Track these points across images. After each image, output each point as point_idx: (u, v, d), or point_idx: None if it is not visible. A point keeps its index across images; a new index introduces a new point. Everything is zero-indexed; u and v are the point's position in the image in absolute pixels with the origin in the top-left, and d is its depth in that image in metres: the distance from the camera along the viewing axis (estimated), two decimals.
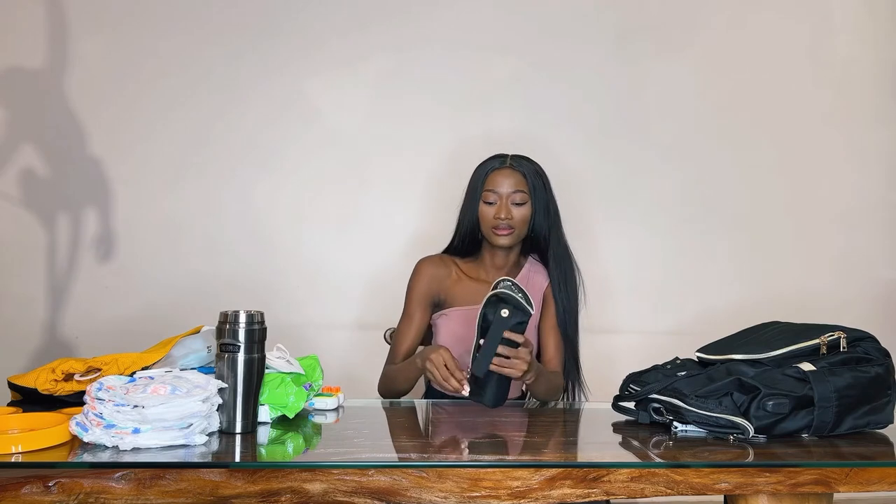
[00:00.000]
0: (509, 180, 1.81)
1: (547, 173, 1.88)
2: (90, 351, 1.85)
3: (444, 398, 1.83)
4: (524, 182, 1.81)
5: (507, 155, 1.86)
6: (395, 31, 2.72)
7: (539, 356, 1.89)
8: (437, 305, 1.89)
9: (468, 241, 1.88)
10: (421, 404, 1.67)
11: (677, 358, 1.55)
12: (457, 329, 1.84)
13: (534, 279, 1.90)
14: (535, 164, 1.87)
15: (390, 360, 1.86)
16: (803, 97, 2.77)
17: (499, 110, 2.72)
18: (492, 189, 1.81)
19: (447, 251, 1.95)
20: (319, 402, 1.53)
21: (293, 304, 2.64)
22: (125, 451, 1.19)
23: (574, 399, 1.87)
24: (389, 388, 1.83)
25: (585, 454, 1.35)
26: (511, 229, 1.80)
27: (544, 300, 1.90)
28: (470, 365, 1.54)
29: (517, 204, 1.80)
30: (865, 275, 2.77)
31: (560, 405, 1.75)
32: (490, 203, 1.81)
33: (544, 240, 1.86)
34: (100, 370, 1.44)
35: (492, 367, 1.49)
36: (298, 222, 2.71)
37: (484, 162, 1.87)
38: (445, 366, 1.56)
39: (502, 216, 1.79)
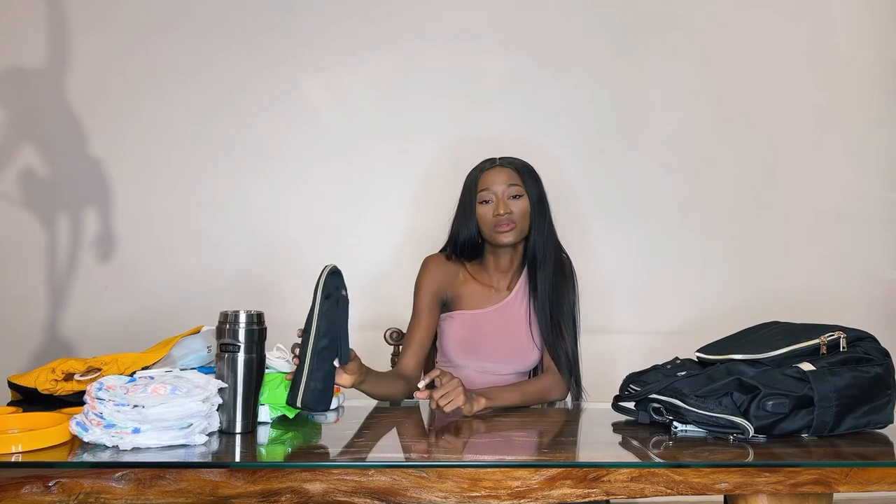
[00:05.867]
0: (502, 176, 1.78)
1: (547, 172, 1.86)
2: (90, 351, 1.85)
3: None
4: (517, 176, 1.79)
5: (495, 157, 1.84)
6: (394, 30, 2.72)
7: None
8: (445, 305, 1.86)
9: (467, 249, 1.84)
10: (421, 404, 1.67)
11: (677, 358, 1.55)
12: (460, 332, 1.83)
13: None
14: (526, 162, 1.85)
15: (399, 357, 1.85)
16: (803, 97, 2.77)
17: (498, 109, 2.72)
18: (486, 188, 1.78)
19: None
20: None
21: (293, 304, 2.62)
22: (125, 450, 1.19)
23: (573, 400, 1.85)
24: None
25: (585, 454, 1.35)
26: (513, 224, 1.75)
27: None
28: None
29: (514, 197, 1.77)
30: (865, 275, 2.77)
31: (560, 405, 1.75)
32: (486, 202, 1.77)
33: (538, 237, 1.80)
34: (100, 370, 1.44)
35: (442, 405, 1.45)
36: (298, 222, 2.71)
37: (474, 168, 1.85)
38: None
39: (501, 212, 1.75)
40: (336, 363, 1.40)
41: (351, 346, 1.44)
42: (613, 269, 2.71)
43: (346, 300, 1.40)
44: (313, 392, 1.35)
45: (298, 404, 1.34)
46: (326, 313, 1.36)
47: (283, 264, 2.68)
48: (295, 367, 1.38)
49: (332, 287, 1.38)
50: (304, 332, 1.37)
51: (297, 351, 1.39)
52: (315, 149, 2.71)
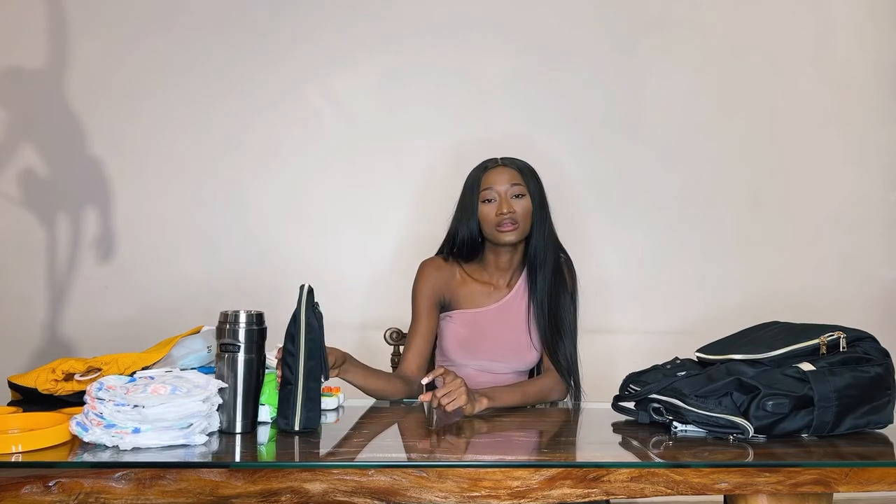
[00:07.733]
0: (505, 175, 1.79)
1: (547, 171, 1.86)
2: (90, 351, 1.85)
3: None
4: (519, 176, 1.79)
5: (497, 157, 1.85)
6: (395, 30, 2.72)
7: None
8: (443, 307, 1.86)
9: (465, 249, 1.84)
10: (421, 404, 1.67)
11: (677, 358, 1.55)
12: (460, 331, 1.83)
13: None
14: (527, 163, 1.86)
15: (400, 361, 1.85)
16: (803, 97, 2.77)
17: (498, 109, 2.72)
18: (489, 187, 1.78)
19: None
20: None
21: (293, 304, 2.63)
22: (125, 450, 1.19)
23: (573, 400, 1.85)
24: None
25: (585, 454, 1.35)
26: (515, 224, 1.76)
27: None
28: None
29: (517, 196, 1.77)
30: (865, 275, 2.76)
31: (560, 405, 1.75)
32: (489, 201, 1.78)
33: (539, 238, 1.80)
34: (100, 370, 1.44)
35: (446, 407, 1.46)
36: (299, 222, 2.71)
37: (475, 167, 1.85)
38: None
39: (504, 211, 1.75)
40: (322, 379, 1.42)
41: (337, 346, 1.54)
42: (613, 268, 2.71)
43: (321, 315, 1.43)
44: (308, 415, 1.37)
45: (297, 428, 1.36)
46: (310, 334, 1.39)
47: (283, 264, 2.68)
48: (278, 382, 1.40)
49: (312, 307, 1.42)
50: (291, 356, 1.38)
51: (281, 370, 1.40)
52: (315, 149, 2.71)
